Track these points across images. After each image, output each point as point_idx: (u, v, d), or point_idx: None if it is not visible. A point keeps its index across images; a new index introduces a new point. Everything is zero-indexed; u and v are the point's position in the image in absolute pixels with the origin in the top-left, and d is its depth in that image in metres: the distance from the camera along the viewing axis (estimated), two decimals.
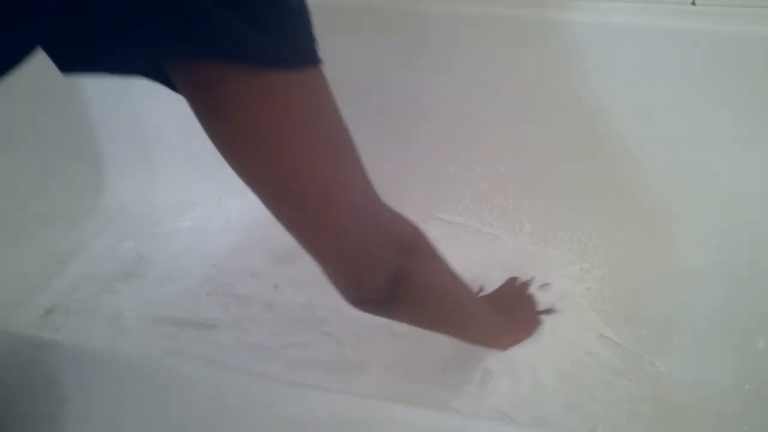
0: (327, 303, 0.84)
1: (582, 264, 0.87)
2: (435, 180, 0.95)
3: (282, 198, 0.41)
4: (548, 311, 0.80)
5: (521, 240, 0.91)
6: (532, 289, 0.83)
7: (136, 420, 0.42)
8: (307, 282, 0.86)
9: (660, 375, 0.72)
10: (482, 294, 0.82)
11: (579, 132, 0.86)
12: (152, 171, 1.05)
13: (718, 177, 0.80)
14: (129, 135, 1.04)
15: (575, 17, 0.80)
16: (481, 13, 0.83)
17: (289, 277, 0.88)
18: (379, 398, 0.71)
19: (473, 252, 0.90)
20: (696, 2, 0.77)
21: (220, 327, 0.82)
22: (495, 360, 0.75)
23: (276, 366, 0.77)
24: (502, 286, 0.83)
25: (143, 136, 1.04)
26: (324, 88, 0.40)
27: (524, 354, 0.76)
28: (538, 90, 0.85)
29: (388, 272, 0.49)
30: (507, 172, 0.92)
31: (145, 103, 1.01)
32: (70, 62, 0.34)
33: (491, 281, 0.86)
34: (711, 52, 0.76)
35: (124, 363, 0.47)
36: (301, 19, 0.36)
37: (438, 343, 0.79)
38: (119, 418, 0.42)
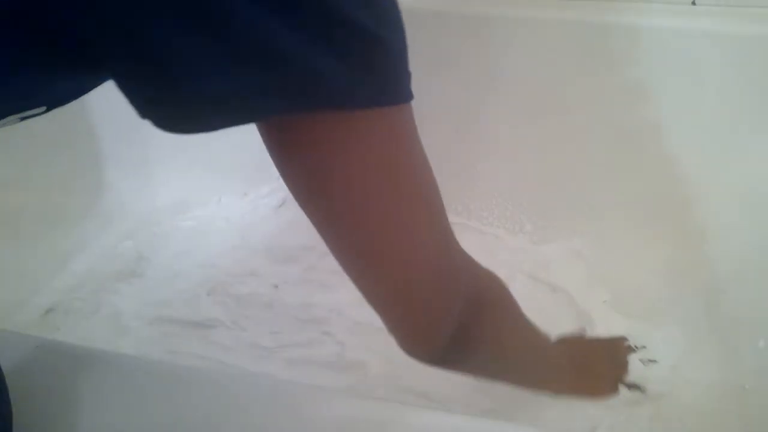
0: (327, 303, 0.84)
1: (582, 264, 0.86)
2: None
3: (359, 250, 0.38)
4: (635, 386, 0.69)
5: (521, 240, 0.91)
6: (633, 358, 0.72)
7: (135, 420, 0.42)
8: (307, 282, 0.86)
9: (660, 375, 0.72)
10: (582, 336, 0.73)
11: (579, 132, 0.86)
12: (152, 171, 1.05)
13: (719, 177, 0.80)
14: (129, 135, 1.04)
15: (575, 17, 0.80)
16: (481, 13, 0.83)
17: (289, 277, 0.88)
18: (379, 398, 0.71)
19: (473, 252, 0.90)
20: (696, 2, 0.77)
21: (220, 327, 0.82)
22: None
23: (276, 366, 0.77)
24: (605, 340, 0.74)
25: (143, 135, 1.04)
26: (413, 123, 0.37)
27: None
28: (538, 90, 0.85)
29: (451, 329, 0.45)
30: (507, 172, 0.92)
31: None
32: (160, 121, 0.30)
33: None
34: (711, 52, 0.76)
35: (124, 363, 0.47)
36: (395, 50, 0.33)
37: None
38: (119, 417, 0.42)
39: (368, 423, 0.41)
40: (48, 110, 0.35)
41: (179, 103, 0.28)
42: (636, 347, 0.72)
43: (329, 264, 0.94)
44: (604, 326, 0.78)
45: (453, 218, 1.01)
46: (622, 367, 0.70)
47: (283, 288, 0.86)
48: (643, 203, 0.86)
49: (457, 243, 0.45)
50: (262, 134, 0.34)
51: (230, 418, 0.41)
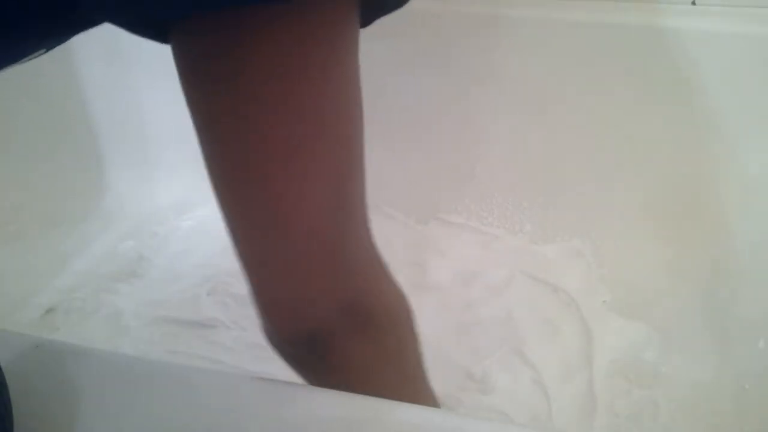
0: None
1: (582, 264, 0.86)
2: (435, 180, 0.95)
3: (241, 185, 0.33)
4: None
5: (521, 240, 0.91)
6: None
7: (135, 420, 0.42)
8: None
9: (660, 375, 0.72)
10: None
11: (579, 132, 0.86)
12: (152, 171, 1.05)
13: (718, 177, 0.80)
14: (129, 135, 1.04)
15: (575, 17, 0.80)
16: (482, 13, 0.83)
17: None
18: (378, 398, 0.71)
19: (473, 252, 0.90)
20: (696, 2, 0.77)
21: (220, 327, 0.82)
22: (495, 360, 0.75)
23: (276, 366, 0.76)
24: None
25: (143, 136, 1.04)
26: (346, 46, 0.32)
27: (525, 353, 0.76)
28: (538, 90, 0.85)
29: (314, 323, 0.38)
30: (507, 172, 0.92)
31: (145, 102, 1.01)
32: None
33: (491, 281, 0.86)
34: (711, 52, 0.76)
35: (124, 363, 0.47)
36: None
37: (439, 343, 0.79)
38: (119, 417, 0.42)
39: (368, 423, 0.41)
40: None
41: None
42: None
43: None
44: (603, 326, 0.78)
45: (453, 218, 1.01)
46: None
47: None
48: (643, 203, 0.86)
49: (369, 233, 0.38)
50: (176, 57, 0.31)
51: (230, 418, 0.41)
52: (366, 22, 0.32)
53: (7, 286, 0.84)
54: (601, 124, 0.85)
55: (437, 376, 0.75)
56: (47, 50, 0.35)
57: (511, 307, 0.82)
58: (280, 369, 0.68)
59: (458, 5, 0.83)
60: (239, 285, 0.88)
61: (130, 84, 0.99)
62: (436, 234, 0.93)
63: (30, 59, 0.35)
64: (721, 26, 0.75)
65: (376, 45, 0.89)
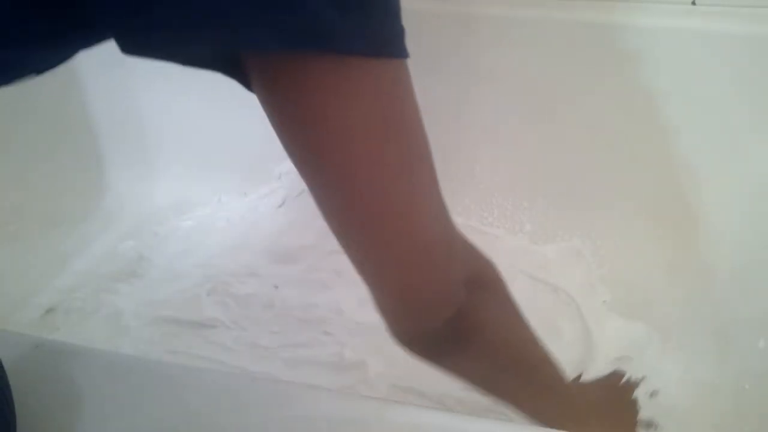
0: (327, 303, 0.84)
1: (582, 264, 0.86)
2: None
3: (351, 210, 0.36)
4: (651, 426, 0.65)
5: (521, 240, 0.91)
6: (638, 393, 0.69)
7: (135, 420, 0.42)
8: (307, 282, 0.86)
9: (660, 374, 0.72)
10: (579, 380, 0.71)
11: (579, 132, 0.86)
12: (152, 171, 1.05)
13: (718, 178, 0.80)
14: (129, 135, 1.04)
15: (575, 17, 0.80)
16: (481, 13, 0.83)
17: (289, 277, 0.88)
18: (379, 398, 0.71)
19: None
20: (696, 2, 0.77)
21: (220, 327, 0.82)
22: None
23: (276, 366, 0.77)
24: (604, 378, 0.71)
25: (143, 136, 1.04)
26: (410, 85, 0.35)
27: None
28: (538, 90, 0.85)
29: (450, 311, 0.42)
30: (507, 172, 0.92)
31: (145, 102, 1.01)
32: (135, 46, 0.30)
33: None
34: (711, 52, 0.76)
35: (124, 363, 0.47)
36: (389, 3, 0.32)
37: None
38: (119, 417, 0.42)
39: (368, 423, 0.41)
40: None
41: (166, 20, 0.28)
42: (637, 381, 0.70)
43: (330, 264, 0.94)
44: (603, 326, 0.78)
45: (453, 218, 1.01)
46: (633, 407, 0.67)
47: (284, 288, 0.86)
48: (644, 203, 0.86)
49: (453, 222, 0.41)
50: (252, 71, 0.33)
51: (230, 418, 0.41)
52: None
53: (7, 286, 0.84)
54: (601, 124, 0.85)
55: (437, 375, 0.75)
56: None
57: None
58: (280, 369, 0.68)
59: (458, 5, 0.83)
60: (239, 285, 0.88)
61: (130, 84, 0.99)
62: None
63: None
64: (721, 26, 0.75)
65: None
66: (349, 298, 0.84)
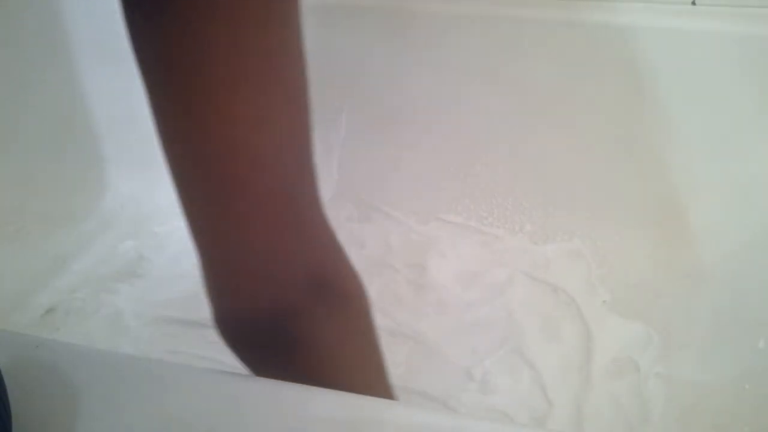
0: None
1: (582, 264, 0.86)
2: (435, 180, 0.95)
3: (197, 147, 0.31)
4: None
5: (521, 240, 0.91)
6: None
7: (135, 420, 0.42)
8: None
9: (660, 375, 0.72)
10: None
11: (579, 132, 0.86)
12: (152, 171, 1.04)
13: (719, 177, 0.80)
14: (129, 135, 1.04)
15: (575, 17, 0.80)
16: (482, 12, 0.83)
17: None
18: (378, 398, 0.71)
19: (473, 252, 0.90)
20: (696, 2, 0.77)
21: None
22: (495, 360, 0.75)
23: None
24: None
25: (143, 136, 1.04)
26: (298, 25, 0.32)
27: (525, 353, 0.76)
28: (538, 90, 0.85)
29: (278, 307, 0.36)
30: (507, 172, 0.92)
31: (145, 102, 1.01)
32: None
33: (491, 281, 0.86)
34: (711, 52, 0.76)
35: (124, 363, 0.47)
36: None
37: (439, 343, 0.79)
38: (119, 417, 0.42)
39: (368, 423, 0.41)
40: None
41: None
42: None
43: None
44: (603, 326, 0.78)
45: (453, 218, 1.01)
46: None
47: None
48: (644, 203, 0.86)
49: (320, 208, 0.35)
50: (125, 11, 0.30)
51: (230, 418, 0.41)
52: None
53: (7, 286, 0.84)
54: (601, 124, 0.85)
55: (437, 376, 0.76)
56: None
57: (511, 307, 0.82)
58: None
59: (459, 5, 0.83)
60: None
61: (130, 84, 0.99)
62: (436, 234, 0.93)
63: None
64: (721, 26, 0.75)
65: (376, 45, 0.89)
66: None
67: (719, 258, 0.79)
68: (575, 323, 0.80)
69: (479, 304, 0.83)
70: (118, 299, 0.87)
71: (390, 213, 0.96)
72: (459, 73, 0.87)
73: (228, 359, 0.46)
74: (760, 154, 0.76)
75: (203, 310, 0.93)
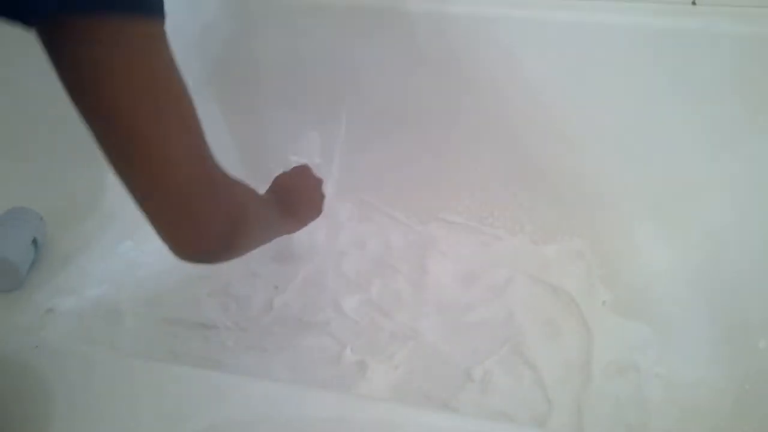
0: (327, 303, 0.84)
1: (582, 264, 0.86)
2: (435, 180, 0.95)
3: (123, 150, 0.43)
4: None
5: (521, 240, 0.91)
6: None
7: (135, 420, 0.42)
8: (307, 282, 0.86)
9: (660, 375, 0.72)
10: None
11: (579, 132, 0.86)
12: None
13: (718, 177, 0.80)
14: None
15: (575, 17, 0.80)
16: (482, 13, 0.83)
17: (289, 277, 0.88)
18: (379, 398, 0.71)
19: (473, 252, 0.90)
20: (696, 2, 0.77)
21: (220, 327, 0.82)
22: (495, 360, 0.75)
23: (276, 366, 0.77)
24: (293, 170, 0.82)
25: None
26: (165, 41, 0.42)
27: (525, 353, 0.76)
28: (538, 90, 0.85)
29: (221, 237, 0.50)
30: (507, 171, 0.92)
31: None
32: None
33: (491, 281, 0.86)
34: (711, 52, 0.76)
35: (124, 363, 0.47)
36: None
37: (438, 343, 0.79)
38: (119, 417, 0.42)
39: (368, 423, 0.41)
40: None
41: None
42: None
43: (330, 264, 0.94)
44: (603, 326, 0.78)
45: (453, 218, 1.01)
46: (319, 190, 0.81)
47: (283, 288, 0.86)
48: (644, 203, 0.86)
49: (215, 161, 0.48)
50: (44, 43, 0.40)
51: (230, 418, 0.41)
52: None
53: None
54: (600, 123, 0.85)
55: (437, 376, 0.76)
56: None
57: (511, 307, 0.82)
58: (280, 369, 0.68)
59: (458, 5, 0.83)
60: (239, 285, 0.88)
61: None
62: (436, 234, 0.93)
63: None
64: (721, 26, 0.75)
65: (377, 46, 0.89)
66: (349, 299, 0.84)
67: (719, 258, 0.79)
68: (575, 323, 0.80)
69: (479, 304, 0.83)
70: (118, 299, 0.87)
71: (390, 213, 0.96)
72: (459, 73, 0.87)
73: (228, 359, 0.46)
74: (761, 154, 0.76)
75: (203, 310, 0.93)
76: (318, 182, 0.82)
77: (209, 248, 0.51)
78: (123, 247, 0.96)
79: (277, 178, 0.79)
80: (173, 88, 0.43)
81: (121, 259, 0.94)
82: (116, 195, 1.05)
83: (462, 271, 0.88)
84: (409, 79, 0.89)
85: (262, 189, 0.72)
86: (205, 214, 0.48)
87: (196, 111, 0.45)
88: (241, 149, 0.99)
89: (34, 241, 0.86)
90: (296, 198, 0.78)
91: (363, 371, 0.75)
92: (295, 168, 0.82)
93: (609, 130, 0.85)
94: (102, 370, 0.45)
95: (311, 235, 0.91)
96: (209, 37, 0.95)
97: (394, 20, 0.86)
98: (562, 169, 0.89)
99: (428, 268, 0.88)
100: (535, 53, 0.83)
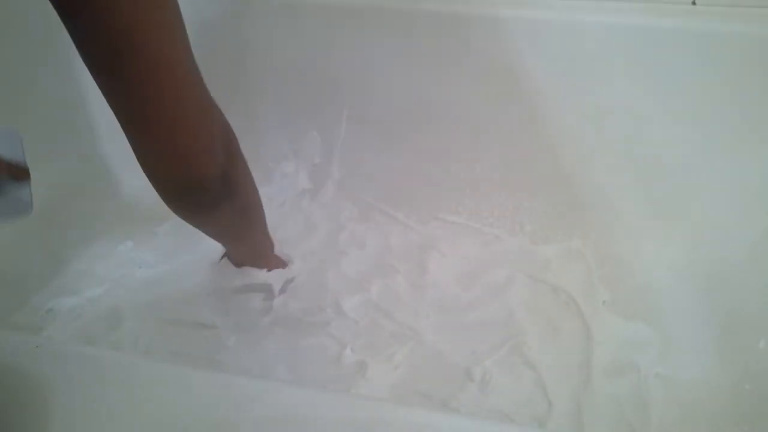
0: (327, 303, 0.84)
1: (582, 264, 0.87)
2: (435, 180, 0.95)
3: (116, 62, 0.43)
4: None
5: (521, 240, 0.91)
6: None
7: (135, 420, 0.42)
8: (307, 283, 0.86)
9: (660, 375, 0.72)
10: None
11: (579, 132, 0.86)
12: None
13: (718, 177, 0.80)
14: None
15: (576, 17, 0.80)
16: (482, 13, 0.83)
17: (289, 277, 0.88)
18: (379, 398, 0.71)
19: (473, 252, 0.90)
20: (696, 2, 0.77)
21: (220, 327, 0.82)
22: (495, 360, 0.75)
23: (276, 366, 0.77)
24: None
25: None
26: None
27: (525, 353, 0.76)
28: (538, 90, 0.85)
29: (218, 168, 0.50)
30: (507, 172, 0.92)
31: None
32: None
33: (491, 281, 0.86)
34: (711, 52, 0.76)
35: (124, 363, 0.47)
36: None
37: (438, 343, 0.79)
38: (119, 418, 0.42)
39: (368, 423, 0.41)
40: None
41: None
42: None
43: (331, 265, 0.94)
44: (603, 326, 0.78)
45: (453, 218, 1.01)
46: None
47: (284, 288, 0.86)
48: (644, 203, 0.86)
49: (208, 91, 0.49)
50: None
51: (230, 419, 0.41)
52: None
53: (7, 286, 0.84)
54: (601, 123, 0.85)
55: (437, 376, 0.76)
56: None
57: (511, 307, 0.82)
58: (280, 369, 0.68)
59: (458, 5, 0.83)
60: (239, 285, 0.88)
61: None
62: (436, 234, 0.93)
63: None
64: (721, 26, 0.75)
65: (377, 45, 0.89)
66: (349, 299, 0.84)
67: (719, 258, 0.79)
68: (575, 323, 0.80)
69: (479, 304, 0.83)
70: (118, 299, 0.87)
71: (390, 213, 0.96)
72: (460, 74, 0.87)
73: (228, 359, 0.46)
74: (760, 154, 0.76)
75: (203, 310, 0.93)
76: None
77: (205, 170, 0.49)
78: (123, 247, 0.96)
79: None
80: (176, 20, 0.45)
81: (121, 259, 0.94)
82: (116, 195, 1.05)
83: (462, 271, 0.88)
84: (409, 79, 0.89)
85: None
86: (201, 125, 0.48)
87: (189, 46, 0.46)
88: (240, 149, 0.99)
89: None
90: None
91: (363, 371, 0.75)
92: None
93: (609, 130, 0.85)
94: (102, 370, 0.45)
95: (312, 235, 0.91)
96: (209, 36, 0.95)
97: (394, 20, 0.86)
98: (562, 169, 0.89)
99: (428, 268, 0.88)
100: (534, 53, 0.83)
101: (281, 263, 0.83)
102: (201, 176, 0.50)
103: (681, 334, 0.76)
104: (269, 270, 0.81)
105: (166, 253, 0.95)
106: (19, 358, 0.45)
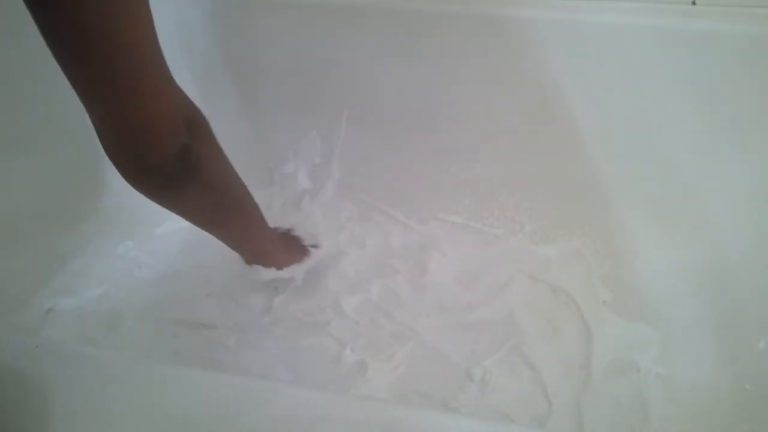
0: (327, 303, 0.84)
1: (582, 264, 0.87)
2: (435, 180, 0.95)
3: (73, 33, 0.43)
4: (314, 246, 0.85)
5: (521, 240, 0.91)
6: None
7: (135, 420, 0.42)
8: (307, 283, 0.86)
9: (660, 375, 0.72)
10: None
11: (579, 132, 0.86)
12: None
13: (718, 177, 0.80)
14: None
15: (575, 17, 0.80)
16: (482, 13, 0.83)
17: (290, 277, 0.88)
18: (378, 398, 0.71)
19: (473, 252, 0.90)
20: (696, 2, 0.77)
21: (220, 327, 0.82)
22: (495, 360, 0.75)
23: (276, 367, 0.77)
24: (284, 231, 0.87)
25: None
26: None
27: (525, 353, 0.76)
28: (538, 90, 0.85)
29: (176, 144, 0.49)
30: (507, 172, 0.92)
31: None
32: None
33: (491, 281, 0.86)
34: (711, 52, 0.76)
35: (124, 363, 0.47)
36: None
37: (438, 343, 0.79)
38: (119, 418, 0.42)
39: (369, 423, 0.41)
40: None
41: None
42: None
43: (331, 265, 0.94)
44: (603, 326, 0.78)
45: (453, 218, 1.01)
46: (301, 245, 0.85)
47: (283, 289, 0.86)
48: (644, 203, 0.86)
49: (167, 68, 0.49)
50: None
51: (230, 419, 0.41)
52: None
53: (7, 286, 0.84)
54: (601, 123, 0.85)
55: (437, 376, 0.76)
56: None
57: (511, 307, 0.82)
58: (281, 369, 0.68)
59: (458, 5, 0.83)
60: (239, 286, 0.88)
61: None
62: (436, 234, 0.93)
63: None
64: (721, 26, 0.75)
65: (376, 46, 0.89)
66: (349, 299, 0.84)
67: (719, 258, 0.79)
68: (575, 323, 0.80)
69: (479, 304, 0.83)
70: (117, 299, 0.87)
71: (390, 213, 0.96)
72: (459, 74, 0.87)
73: (228, 359, 0.46)
74: (760, 154, 0.76)
75: (203, 310, 0.93)
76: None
77: (163, 149, 0.49)
78: (123, 247, 0.96)
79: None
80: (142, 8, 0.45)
81: (121, 259, 0.94)
82: (116, 195, 1.05)
83: (462, 271, 0.88)
84: (409, 79, 0.89)
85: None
86: (156, 102, 0.48)
87: (151, 20, 0.46)
88: (240, 149, 0.99)
89: None
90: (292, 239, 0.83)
91: (363, 371, 0.75)
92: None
93: (609, 130, 0.85)
94: (102, 370, 0.45)
95: (312, 235, 0.91)
96: (209, 36, 0.95)
97: (394, 20, 0.86)
98: (561, 169, 0.89)
99: (428, 268, 0.88)
100: (534, 53, 0.83)
101: (296, 258, 0.82)
102: (157, 154, 0.50)
103: (681, 334, 0.76)
104: (279, 269, 0.80)
105: (166, 253, 0.95)
106: (19, 358, 0.45)
